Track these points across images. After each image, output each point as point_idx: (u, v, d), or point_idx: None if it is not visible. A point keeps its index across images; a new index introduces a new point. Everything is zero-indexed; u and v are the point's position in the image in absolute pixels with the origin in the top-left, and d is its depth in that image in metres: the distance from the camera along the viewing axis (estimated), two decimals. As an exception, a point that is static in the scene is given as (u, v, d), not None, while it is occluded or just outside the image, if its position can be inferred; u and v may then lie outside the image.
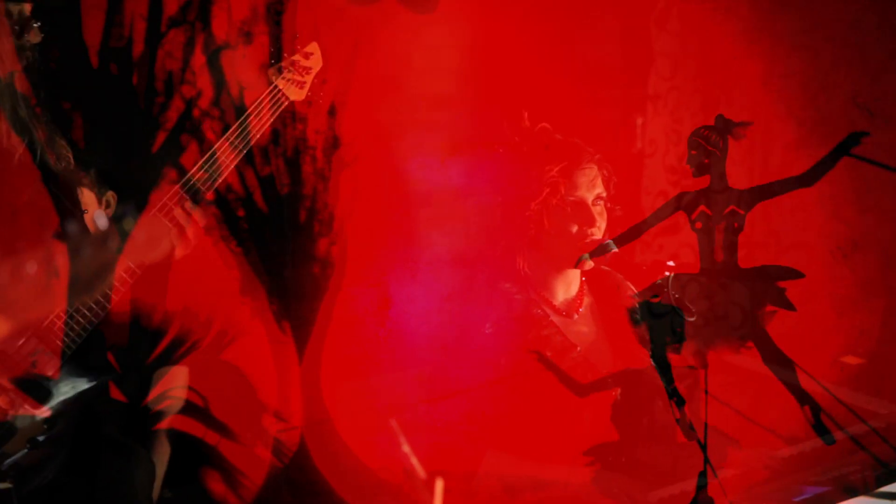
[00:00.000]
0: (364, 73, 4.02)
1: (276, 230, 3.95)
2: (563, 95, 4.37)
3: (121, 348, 3.51)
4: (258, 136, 2.92)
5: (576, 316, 3.26)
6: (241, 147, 2.91)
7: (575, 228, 3.18)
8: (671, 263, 3.06)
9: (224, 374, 3.81)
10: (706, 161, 2.82)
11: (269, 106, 2.93)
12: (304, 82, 2.97)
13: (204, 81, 3.84)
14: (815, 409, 2.97)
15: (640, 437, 3.17)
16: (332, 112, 3.95)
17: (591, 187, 3.18)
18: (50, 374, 2.89)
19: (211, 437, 3.75)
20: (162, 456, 3.35)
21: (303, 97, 2.97)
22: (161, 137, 3.82)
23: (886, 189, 4.87)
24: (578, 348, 3.16)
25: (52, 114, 3.04)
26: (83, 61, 3.67)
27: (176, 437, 3.69)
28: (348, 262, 3.87)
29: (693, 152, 2.88)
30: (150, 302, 3.69)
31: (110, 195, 3.13)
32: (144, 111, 3.60)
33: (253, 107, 2.90)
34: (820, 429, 3.05)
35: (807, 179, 3.06)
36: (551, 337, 3.14)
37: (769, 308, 3.19)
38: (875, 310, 4.79)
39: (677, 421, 2.93)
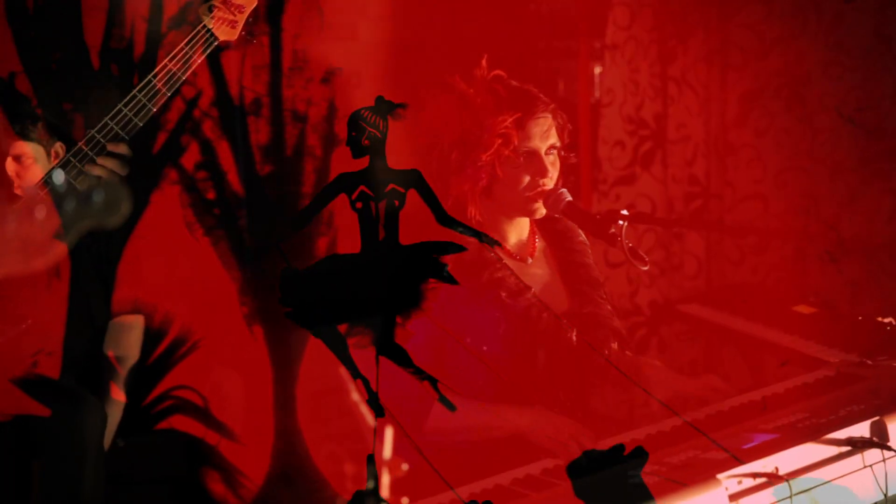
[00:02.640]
0: (320, 20, 3.99)
1: (255, 217, 3.94)
2: (520, 44, 4.36)
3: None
4: (183, 78, 2.84)
5: (530, 260, 3.26)
6: (154, 94, 2.83)
7: (527, 179, 3.17)
8: (625, 212, 3.06)
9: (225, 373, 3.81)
10: (366, 143, 2.84)
11: (194, 47, 2.85)
12: (237, 21, 2.88)
13: (203, 81, 3.81)
14: None
15: (595, 381, 3.19)
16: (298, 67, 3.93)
17: (545, 137, 3.17)
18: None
19: (211, 437, 3.76)
20: (115, 405, 3.34)
21: (234, 37, 2.89)
22: (162, 138, 3.81)
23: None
24: (533, 289, 3.16)
25: (52, 114, 2.99)
26: (84, 62, 3.64)
27: (177, 436, 3.70)
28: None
29: (353, 134, 2.89)
30: (151, 301, 3.68)
31: (59, 146, 3.08)
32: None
33: (176, 49, 2.83)
34: None
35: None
36: (505, 279, 3.13)
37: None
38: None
39: None
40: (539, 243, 3.32)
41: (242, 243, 3.92)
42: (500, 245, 3.15)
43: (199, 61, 2.84)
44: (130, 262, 3.57)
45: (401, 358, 2.86)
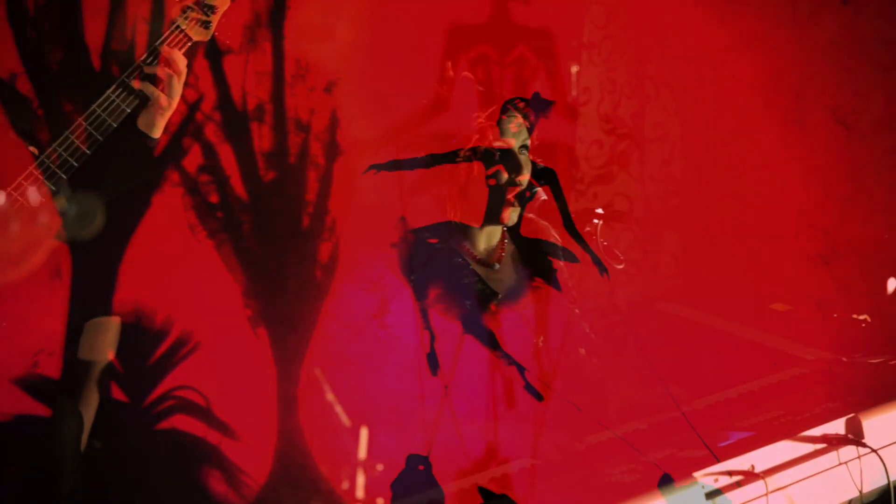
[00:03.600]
0: (295, 22, 3.99)
1: (258, 222, 3.94)
2: (498, 43, 4.36)
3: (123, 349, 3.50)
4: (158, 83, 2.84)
5: (497, 265, 3.26)
6: (128, 96, 2.82)
7: (504, 176, 3.17)
8: (600, 211, 3.07)
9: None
10: (514, 129, 2.89)
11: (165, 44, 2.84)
12: (210, 21, 2.88)
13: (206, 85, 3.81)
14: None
15: (566, 385, 3.19)
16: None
17: (518, 135, 3.17)
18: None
19: (213, 437, 3.75)
20: (89, 407, 3.32)
21: (207, 37, 2.88)
22: (163, 140, 3.80)
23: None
24: (500, 295, 3.16)
25: (53, 115, 2.98)
26: (85, 64, 3.63)
27: (177, 436, 3.69)
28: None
29: (504, 117, 2.94)
30: (153, 303, 3.67)
31: (32, 150, 3.06)
32: None
33: (147, 54, 2.82)
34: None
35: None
36: (472, 286, 3.14)
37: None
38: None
39: None
40: (508, 247, 3.32)
41: (246, 246, 3.92)
42: (608, 274, 3.14)
43: (184, 65, 2.84)
44: (132, 262, 3.57)
45: (490, 340, 2.91)
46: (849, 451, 3.01)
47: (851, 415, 3.09)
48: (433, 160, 3.15)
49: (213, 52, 3.82)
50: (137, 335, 3.68)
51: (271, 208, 3.94)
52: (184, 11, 2.85)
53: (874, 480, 3.02)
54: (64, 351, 3.03)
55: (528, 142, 3.21)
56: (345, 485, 3.04)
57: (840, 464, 2.99)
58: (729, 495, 2.76)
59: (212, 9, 2.87)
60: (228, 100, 3.90)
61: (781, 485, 2.86)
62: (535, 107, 2.86)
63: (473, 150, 3.14)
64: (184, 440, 3.73)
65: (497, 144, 3.15)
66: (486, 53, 4.37)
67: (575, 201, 4.85)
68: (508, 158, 3.15)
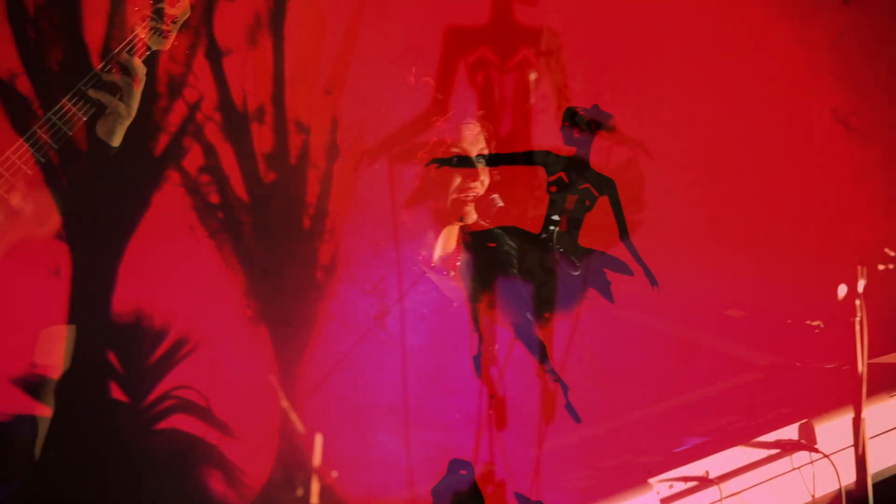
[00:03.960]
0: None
1: (258, 222, 3.92)
2: (455, 50, 4.37)
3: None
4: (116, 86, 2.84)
5: (451, 273, 3.27)
6: (83, 110, 2.83)
7: (458, 180, 3.18)
8: (556, 218, 3.09)
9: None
10: (577, 135, 2.89)
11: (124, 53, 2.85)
12: (170, 31, 2.88)
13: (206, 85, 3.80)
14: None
15: (523, 390, 3.21)
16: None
17: (475, 142, 3.19)
18: None
19: (213, 437, 3.73)
20: (44, 413, 3.30)
21: (166, 47, 2.89)
22: (164, 140, 3.78)
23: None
24: (455, 304, 3.17)
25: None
26: (85, 63, 3.60)
27: (177, 436, 3.67)
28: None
29: (566, 123, 2.94)
30: (153, 303, 3.65)
31: None
32: (147, 114, 3.55)
33: (104, 62, 2.82)
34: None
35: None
36: (428, 293, 3.15)
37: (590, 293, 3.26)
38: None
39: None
40: (463, 256, 3.33)
41: (246, 247, 3.91)
42: (658, 286, 3.14)
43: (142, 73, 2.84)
44: (132, 262, 3.56)
45: (540, 351, 2.91)
46: (802, 457, 3.04)
47: (804, 420, 3.13)
48: (494, 159, 3.17)
49: (214, 53, 3.82)
50: (137, 335, 3.67)
51: (271, 209, 3.94)
52: (143, 20, 2.85)
53: (826, 485, 3.06)
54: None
55: (486, 150, 3.23)
56: (344, 484, 3.04)
57: (793, 469, 3.03)
58: (683, 501, 2.78)
59: (172, 18, 2.87)
60: (229, 100, 3.89)
61: (735, 490, 2.89)
62: (595, 114, 2.88)
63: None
64: (183, 440, 3.72)
65: (454, 150, 3.17)
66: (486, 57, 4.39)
67: (533, 208, 4.87)
68: (465, 164, 3.17)
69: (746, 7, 4.97)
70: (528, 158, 2.99)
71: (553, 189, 3.04)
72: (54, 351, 3.25)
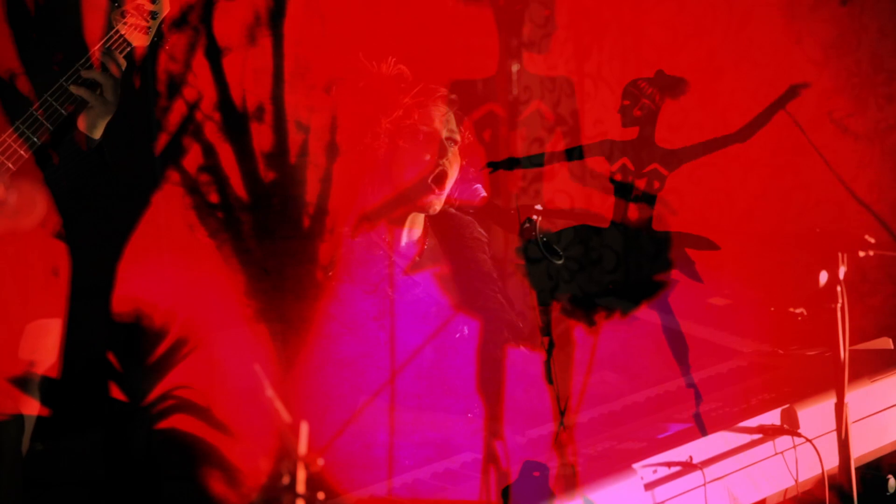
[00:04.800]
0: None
1: (258, 222, 3.92)
2: (433, 42, 4.38)
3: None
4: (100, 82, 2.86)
5: (418, 258, 3.28)
6: (63, 104, 2.85)
7: (427, 157, 3.18)
8: (538, 207, 3.09)
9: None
10: (637, 113, 2.81)
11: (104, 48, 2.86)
12: (150, 27, 2.90)
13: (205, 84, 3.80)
14: None
15: (494, 377, 3.22)
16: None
17: (444, 124, 3.20)
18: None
19: (212, 437, 3.73)
20: (31, 408, 3.31)
21: (146, 42, 2.90)
22: (163, 140, 3.78)
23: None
24: (421, 286, 3.19)
25: (54, 116, 2.95)
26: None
27: (177, 436, 3.67)
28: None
29: (626, 102, 2.87)
30: (152, 302, 3.64)
31: None
32: (147, 114, 3.55)
33: (84, 58, 2.84)
34: None
35: (742, 135, 3.06)
36: (394, 276, 3.16)
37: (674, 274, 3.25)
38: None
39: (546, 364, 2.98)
40: (430, 241, 3.34)
41: (246, 246, 3.91)
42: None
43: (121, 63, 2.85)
44: (132, 261, 3.56)
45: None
46: (784, 442, 3.07)
47: (787, 406, 3.15)
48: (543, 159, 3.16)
49: (213, 52, 3.82)
50: (137, 334, 3.67)
51: (271, 209, 3.94)
52: (122, 15, 2.86)
53: (809, 470, 3.08)
54: (62, 350, 3.02)
55: (457, 134, 3.23)
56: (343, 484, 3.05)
57: (776, 454, 3.05)
58: (667, 486, 2.80)
59: (152, 14, 2.88)
60: (228, 99, 3.89)
61: (719, 475, 2.91)
62: (658, 83, 2.83)
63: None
64: (183, 440, 3.72)
65: (423, 129, 3.17)
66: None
67: (516, 198, 4.89)
68: (432, 142, 3.18)
69: (745, 8, 5.00)
70: (590, 151, 2.94)
71: (618, 178, 2.97)
72: (43, 346, 3.26)
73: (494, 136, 4.41)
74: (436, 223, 3.37)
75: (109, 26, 2.97)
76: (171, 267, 3.71)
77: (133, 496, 3.70)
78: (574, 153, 3.07)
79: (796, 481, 3.05)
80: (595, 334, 3.13)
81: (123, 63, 2.88)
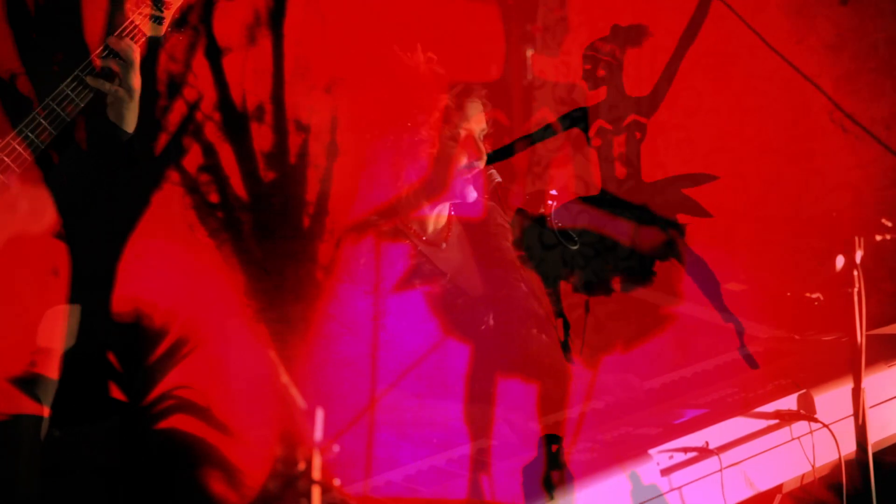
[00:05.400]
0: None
1: (258, 222, 3.93)
2: (451, 28, 4.37)
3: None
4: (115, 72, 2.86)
5: (444, 245, 3.28)
6: (82, 89, 2.85)
7: (464, 160, 3.19)
8: (554, 192, 3.09)
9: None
10: (601, 73, 2.79)
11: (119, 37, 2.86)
12: (163, 17, 2.90)
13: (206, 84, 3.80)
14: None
15: (516, 364, 3.22)
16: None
17: (479, 121, 3.20)
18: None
19: (212, 437, 3.75)
20: (47, 394, 3.32)
21: (161, 32, 2.91)
22: (163, 140, 3.79)
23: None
24: (448, 275, 3.18)
25: (54, 115, 2.96)
26: (85, 63, 3.61)
27: (176, 436, 3.68)
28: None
29: (587, 67, 2.85)
30: (152, 302, 3.65)
31: None
32: (147, 114, 3.56)
33: (100, 49, 2.84)
34: None
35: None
36: (421, 266, 3.15)
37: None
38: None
39: (563, 343, 2.98)
40: (455, 228, 3.33)
41: (246, 246, 3.91)
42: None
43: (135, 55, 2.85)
44: (131, 261, 3.57)
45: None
46: (801, 427, 3.06)
47: (803, 391, 3.14)
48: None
49: (213, 52, 3.82)
50: (136, 334, 3.68)
51: (271, 208, 3.95)
52: (137, 5, 2.87)
53: (826, 455, 3.07)
54: (62, 350, 3.03)
55: (487, 128, 3.24)
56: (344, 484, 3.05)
57: (793, 439, 3.04)
58: (684, 472, 2.80)
59: (166, 4, 2.88)
60: (228, 99, 3.89)
61: (735, 460, 2.90)
62: (618, 39, 2.84)
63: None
64: (183, 440, 3.73)
65: (461, 133, 3.17)
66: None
67: (531, 184, 4.88)
68: (469, 143, 3.18)
69: (745, 7, 4.97)
70: (565, 124, 2.93)
71: (597, 143, 2.98)
72: (61, 332, 3.26)
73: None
74: (459, 212, 3.36)
75: (120, 15, 2.97)
76: (171, 267, 3.72)
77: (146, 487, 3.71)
78: (566, 122, 3.07)
79: (813, 467, 3.05)
80: (594, 368, 3.16)
81: (137, 49, 2.87)
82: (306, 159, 3.96)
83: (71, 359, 3.08)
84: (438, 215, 3.29)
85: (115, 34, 2.86)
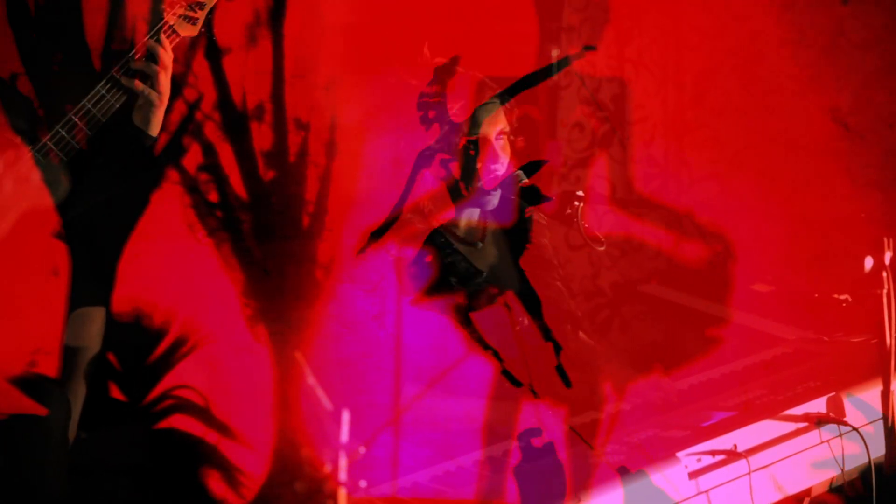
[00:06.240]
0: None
1: (257, 221, 3.93)
2: (473, 28, 4.36)
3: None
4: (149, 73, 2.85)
5: (480, 244, 3.27)
6: (116, 97, 2.85)
7: (479, 165, 3.18)
8: (580, 193, 3.08)
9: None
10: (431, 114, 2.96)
11: (152, 37, 2.86)
12: (197, 17, 2.90)
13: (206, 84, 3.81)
14: None
15: (550, 364, 3.21)
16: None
17: (494, 123, 3.18)
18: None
19: (211, 437, 3.76)
20: (77, 396, 3.33)
21: (195, 33, 2.90)
22: (163, 139, 3.80)
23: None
24: (484, 273, 3.17)
25: (54, 115, 2.97)
26: (86, 63, 3.61)
27: (176, 436, 3.70)
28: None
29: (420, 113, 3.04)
30: (152, 301, 3.67)
31: None
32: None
33: (138, 45, 2.83)
34: None
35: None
36: (456, 264, 3.15)
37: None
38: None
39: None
40: (491, 226, 3.32)
41: (246, 245, 3.91)
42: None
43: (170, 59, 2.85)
44: (131, 261, 3.57)
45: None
46: (830, 430, 3.04)
47: (832, 394, 3.12)
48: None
49: (213, 51, 3.82)
50: (136, 334, 3.68)
51: (271, 208, 3.95)
52: (171, 6, 2.87)
53: (855, 458, 3.05)
54: (62, 350, 3.03)
55: (507, 127, 3.22)
56: (343, 484, 3.06)
57: (821, 442, 3.02)
58: (712, 475, 2.79)
59: (200, 5, 2.88)
60: (228, 99, 3.90)
61: (764, 464, 2.89)
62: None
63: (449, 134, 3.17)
64: (182, 440, 3.74)
65: (473, 136, 3.16)
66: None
67: (557, 185, 4.86)
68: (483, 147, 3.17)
69: (746, 7, 4.95)
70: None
71: (472, 153, 3.07)
72: (88, 333, 3.27)
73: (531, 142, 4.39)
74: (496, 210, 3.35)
75: (157, 16, 2.96)
76: (171, 266, 3.72)
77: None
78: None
79: (842, 470, 3.02)
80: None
81: (170, 54, 2.87)
82: (306, 158, 3.96)
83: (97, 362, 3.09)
84: (470, 214, 3.28)
85: (150, 35, 2.86)
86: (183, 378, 3.76)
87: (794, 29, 4.88)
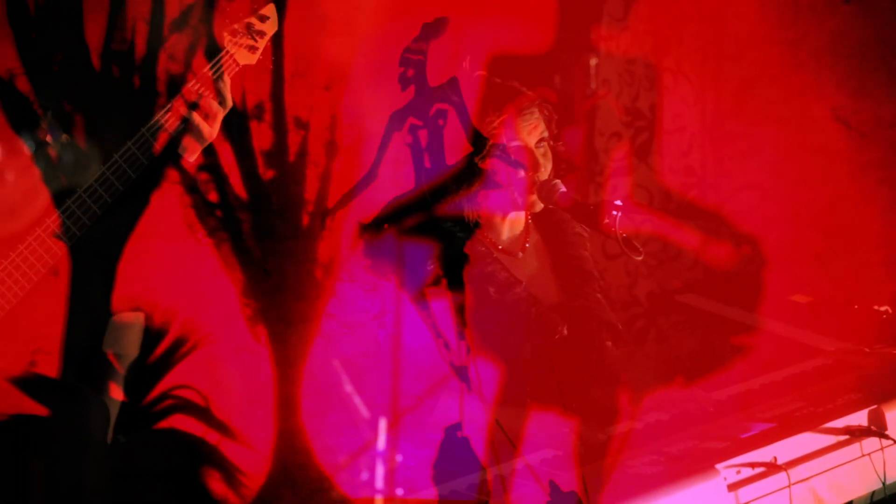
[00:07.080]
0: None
1: (257, 221, 3.94)
2: (515, 36, 4.35)
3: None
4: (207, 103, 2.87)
5: (520, 254, 3.27)
6: (179, 128, 2.87)
7: (521, 175, 3.18)
8: (619, 203, 3.07)
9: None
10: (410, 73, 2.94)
11: (217, 71, 2.87)
12: (257, 47, 2.90)
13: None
14: None
15: (589, 375, 3.19)
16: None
17: (534, 132, 3.19)
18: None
19: (211, 437, 3.77)
20: (114, 402, 3.35)
21: (254, 61, 2.91)
22: (163, 139, 3.82)
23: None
24: (523, 283, 3.17)
25: (54, 115, 2.99)
26: (85, 63, 3.64)
27: (175, 436, 3.71)
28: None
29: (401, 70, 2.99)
30: (152, 302, 3.68)
31: (64, 138, 3.11)
32: (146, 113, 3.59)
33: (199, 74, 2.84)
34: None
35: None
36: (495, 273, 3.14)
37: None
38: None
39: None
40: (532, 236, 3.32)
41: (246, 245, 3.92)
42: None
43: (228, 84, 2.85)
44: (131, 260, 3.58)
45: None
46: (871, 443, 3.01)
47: (874, 406, 3.09)
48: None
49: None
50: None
51: (271, 207, 3.95)
52: (234, 35, 2.87)
53: (897, 472, 3.02)
54: (62, 350, 3.04)
55: (546, 134, 3.22)
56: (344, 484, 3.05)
57: (863, 455, 2.99)
58: (751, 487, 2.76)
59: (260, 34, 2.89)
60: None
61: (804, 476, 2.86)
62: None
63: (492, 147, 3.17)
64: (182, 440, 3.74)
65: (513, 144, 3.17)
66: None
67: (595, 194, 4.85)
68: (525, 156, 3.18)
69: (746, 7, 4.92)
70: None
71: (409, 140, 3.07)
72: (126, 339, 3.28)
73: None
74: (538, 219, 3.35)
75: (212, 44, 2.97)
76: (171, 266, 3.73)
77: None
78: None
79: (884, 483, 2.99)
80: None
81: (231, 102, 2.89)
82: (306, 158, 3.96)
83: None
84: (513, 223, 3.28)
85: (211, 67, 2.86)
86: (183, 378, 3.77)
87: (836, 39, 4.86)
